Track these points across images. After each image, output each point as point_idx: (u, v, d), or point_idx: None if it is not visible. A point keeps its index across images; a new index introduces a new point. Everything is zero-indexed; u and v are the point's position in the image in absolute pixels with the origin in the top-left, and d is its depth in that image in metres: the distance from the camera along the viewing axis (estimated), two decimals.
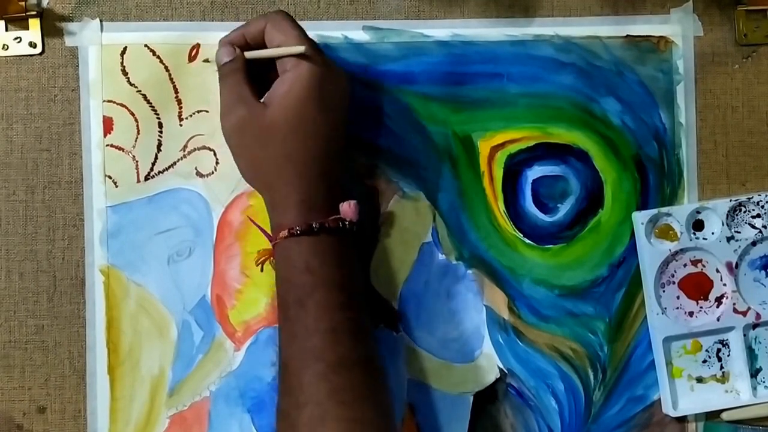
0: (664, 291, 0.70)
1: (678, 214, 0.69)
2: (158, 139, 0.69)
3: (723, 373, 0.70)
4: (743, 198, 0.70)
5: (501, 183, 0.70)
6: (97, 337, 0.68)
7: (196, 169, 0.69)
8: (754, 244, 0.70)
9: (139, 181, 0.69)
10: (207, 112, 0.69)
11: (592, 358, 0.70)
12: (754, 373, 0.70)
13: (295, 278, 0.60)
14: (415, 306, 0.69)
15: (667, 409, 0.69)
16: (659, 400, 0.70)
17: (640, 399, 0.70)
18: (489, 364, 0.69)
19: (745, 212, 0.70)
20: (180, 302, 0.69)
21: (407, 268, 0.70)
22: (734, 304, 0.69)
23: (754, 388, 0.70)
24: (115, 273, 0.68)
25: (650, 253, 0.69)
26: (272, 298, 0.68)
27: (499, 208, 0.70)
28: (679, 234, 0.69)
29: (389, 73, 0.70)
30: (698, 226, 0.70)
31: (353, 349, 0.59)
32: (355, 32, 0.70)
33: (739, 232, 0.70)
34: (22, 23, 0.69)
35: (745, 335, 0.70)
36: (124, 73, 0.69)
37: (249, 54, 0.63)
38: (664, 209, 0.70)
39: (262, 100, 0.62)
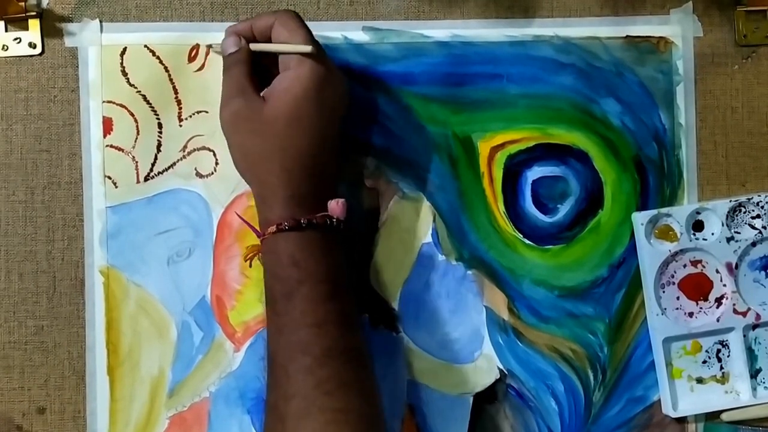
0: (663, 292, 0.70)
1: (678, 215, 0.69)
2: (158, 140, 0.69)
3: (723, 373, 0.70)
4: (743, 199, 0.70)
5: (501, 184, 0.70)
6: (97, 337, 0.68)
7: (195, 169, 0.69)
8: (753, 244, 0.70)
9: (138, 181, 0.69)
10: (207, 112, 0.69)
11: (592, 359, 0.70)
12: (754, 373, 0.70)
13: (281, 272, 0.60)
14: (414, 307, 0.69)
15: (667, 409, 0.69)
16: (659, 400, 0.70)
17: (640, 400, 0.70)
18: (489, 364, 0.69)
19: (744, 213, 0.70)
20: (180, 303, 0.69)
21: (407, 269, 0.69)
22: (734, 304, 0.69)
23: (754, 389, 0.70)
24: (115, 274, 0.68)
25: (650, 254, 0.69)
26: None
27: (498, 208, 0.70)
28: (678, 235, 0.69)
29: (389, 74, 0.70)
30: (698, 226, 0.70)
31: (339, 341, 0.60)
32: (355, 33, 0.70)
33: (739, 233, 0.70)
34: (21, 24, 0.69)
35: (744, 336, 0.70)
36: (124, 73, 0.69)
37: (255, 46, 0.63)
38: (664, 210, 0.70)
39: (261, 94, 0.62)
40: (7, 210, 0.69)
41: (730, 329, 0.70)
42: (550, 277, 0.70)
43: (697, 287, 0.70)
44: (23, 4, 0.68)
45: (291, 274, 0.60)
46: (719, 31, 0.72)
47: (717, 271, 0.70)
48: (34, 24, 0.69)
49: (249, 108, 0.61)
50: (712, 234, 0.70)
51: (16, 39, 0.69)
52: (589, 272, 0.70)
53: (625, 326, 0.70)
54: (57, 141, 0.69)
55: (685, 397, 0.70)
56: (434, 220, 0.70)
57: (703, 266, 0.70)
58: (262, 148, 0.61)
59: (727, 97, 0.72)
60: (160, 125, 0.69)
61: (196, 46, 0.69)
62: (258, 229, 0.63)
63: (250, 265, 0.68)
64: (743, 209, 0.70)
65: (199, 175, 0.69)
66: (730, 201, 0.69)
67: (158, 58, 0.69)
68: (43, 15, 0.69)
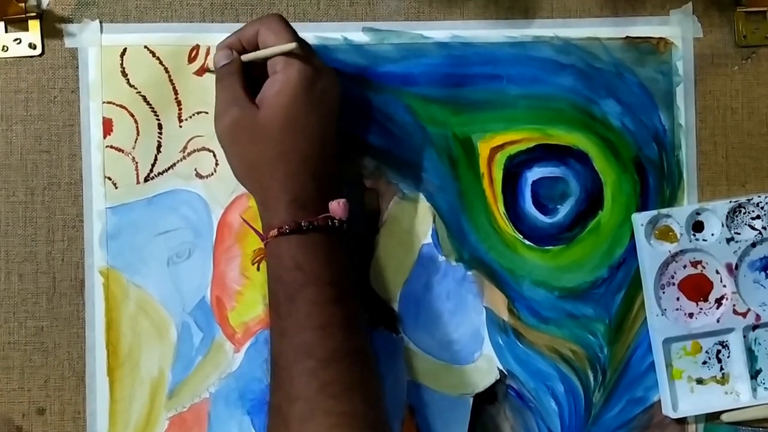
0: (663, 292, 0.70)
1: (678, 216, 0.69)
2: (158, 141, 0.69)
3: (723, 374, 0.70)
4: (743, 199, 0.70)
5: (501, 184, 0.70)
6: (97, 338, 0.68)
7: (195, 170, 0.69)
8: (753, 245, 0.70)
9: (138, 182, 0.69)
10: (207, 113, 0.69)
11: (592, 360, 0.70)
12: (754, 374, 0.70)
13: (285, 275, 0.60)
14: (414, 307, 0.69)
15: (667, 410, 0.69)
16: (659, 401, 0.70)
17: (640, 400, 0.70)
18: (489, 365, 0.69)
19: (744, 213, 0.70)
20: (180, 304, 0.69)
21: (407, 270, 0.69)
22: (734, 305, 0.69)
23: (754, 390, 0.70)
24: (115, 274, 0.68)
25: (650, 255, 0.69)
26: None
27: (498, 209, 0.70)
28: (678, 235, 0.69)
29: (389, 75, 0.70)
30: (698, 227, 0.70)
31: (343, 343, 0.59)
32: (355, 33, 0.70)
33: (739, 234, 0.70)
34: (21, 25, 0.69)
35: (744, 337, 0.70)
36: (124, 74, 0.69)
37: (245, 57, 0.64)
38: (664, 211, 0.70)
39: (255, 101, 0.62)
40: (7, 211, 0.69)
41: (730, 330, 0.70)
42: (550, 277, 0.70)
43: (697, 288, 0.70)
44: (23, 4, 0.69)
45: (295, 277, 0.60)
46: (719, 32, 0.72)
47: (717, 272, 0.70)
48: (34, 25, 0.69)
49: (244, 116, 0.61)
50: (712, 235, 0.70)
51: (16, 40, 0.69)
52: (589, 273, 0.70)
53: (625, 327, 0.70)
54: (57, 142, 0.69)
55: (685, 397, 0.70)
56: (434, 221, 0.70)
57: (703, 267, 0.70)
58: (261, 155, 0.61)
59: (727, 98, 0.72)
60: (160, 126, 0.69)
61: (196, 47, 0.69)
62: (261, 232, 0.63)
63: (258, 269, 0.68)
64: (743, 210, 0.70)
65: (199, 175, 0.69)
66: (730, 202, 0.69)
67: (158, 58, 0.69)
68: (43, 16, 0.69)
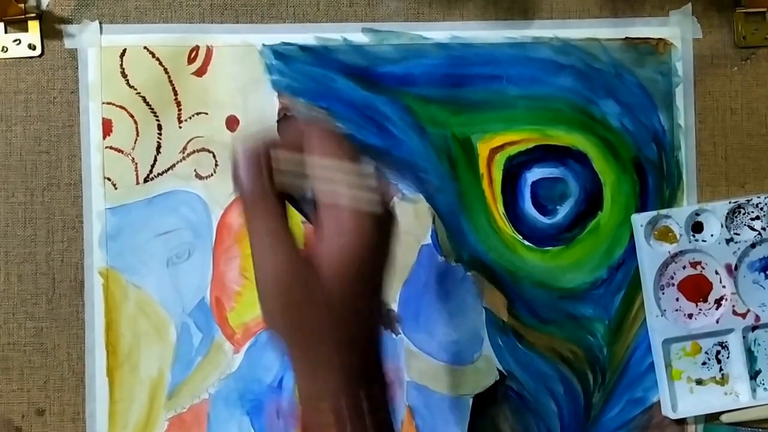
0: (663, 293, 0.70)
1: (677, 216, 0.69)
2: (157, 141, 0.69)
3: (722, 375, 0.70)
4: (742, 200, 0.70)
5: (500, 185, 0.70)
6: (96, 339, 0.68)
7: (195, 171, 0.69)
8: (753, 246, 0.70)
9: (138, 183, 0.69)
10: (206, 114, 0.69)
11: (592, 361, 0.70)
12: (754, 375, 0.70)
13: None
14: (414, 308, 0.69)
15: (667, 411, 0.69)
16: (659, 402, 0.70)
17: (639, 401, 0.70)
18: (488, 366, 0.69)
19: (744, 214, 0.70)
20: (179, 304, 0.69)
21: (406, 271, 0.69)
22: (733, 306, 0.69)
23: (754, 390, 0.70)
24: (114, 275, 0.68)
25: (649, 255, 0.69)
26: None
27: (498, 210, 0.70)
28: (678, 236, 0.69)
29: (388, 75, 0.70)
30: (697, 228, 0.70)
31: None
32: (355, 34, 0.70)
33: (739, 234, 0.70)
34: (21, 25, 0.69)
35: (744, 337, 0.70)
36: (124, 75, 0.69)
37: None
38: (664, 211, 0.70)
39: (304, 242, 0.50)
40: (6, 211, 0.69)
41: (729, 331, 0.70)
42: (550, 278, 0.70)
43: (697, 289, 0.70)
44: (23, 5, 0.69)
45: None
46: (718, 33, 0.72)
47: (716, 273, 0.70)
48: (34, 26, 0.69)
49: (298, 271, 0.49)
50: (712, 235, 0.70)
51: (15, 40, 0.69)
52: (589, 274, 0.70)
53: (624, 328, 0.70)
54: (56, 142, 0.69)
55: (684, 398, 0.70)
56: (433, 222, 0.70)
57: (703, 268, 0.70)
58: (312, 313, 0.49)
59: (726, 99, 0.72)
60: (159, 127, 0.69)
61: (196, 48, 0.69)
62: None
63: None
64: (742, 211, 0.70)
65: (198, 176, 0.69)
66: (730, 202, 0.69)
67: (158, 59, 0.69)
68: (42, 16, 0.69)
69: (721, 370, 0.70)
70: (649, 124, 0.71)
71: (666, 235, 0.70)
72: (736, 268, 0.70)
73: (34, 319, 0.69)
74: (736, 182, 0.71)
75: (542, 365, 0.70)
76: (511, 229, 0.70)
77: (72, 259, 0.69)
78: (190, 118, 0.69)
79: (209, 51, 0.69)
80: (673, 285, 0.70)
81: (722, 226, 0.69)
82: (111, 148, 0.69)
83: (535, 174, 0.70)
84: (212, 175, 0.69)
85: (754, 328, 0.70)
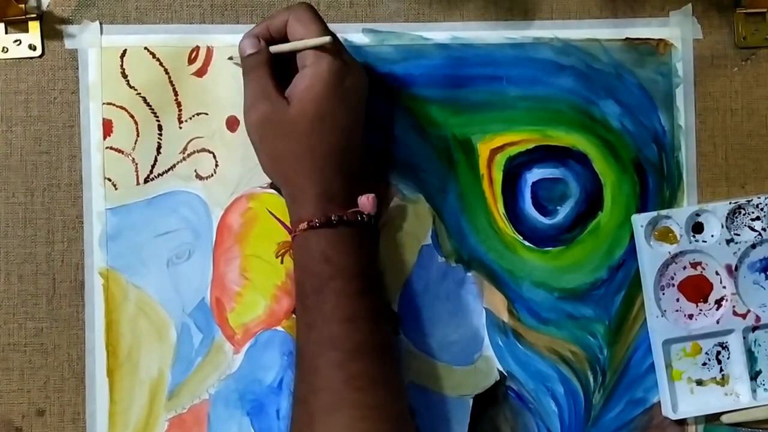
0: (663, 294, 0.70)
1: (677, 217, 0.69)
2: (158, 142, 0.69)
3: (723, 375, 0.70)
4: (743, 200, 0.70)
5: (500, 185, 0.70)
6: (97, 339, 0.68)
7: (195, 171, 0.69)
8: (753, 246, 0.70)
9: (138, 183, 0.69)
10: (206, 114, 0.69)
11: (592, 361, 0.70)
12: (754, 375, 0.70)
13: (313, 268, 0.61)
14: (414, 309, 0.69)
15: (667, 411, 0.69)
16: (659, 402, 0.70)
17: (639, 402, 0.70)
18: (488, 366, 0.69)
19: (744, 215, 0.70)
20: (179, 305, 0.69)
21: (407, 271, 0.69)
22: (734, 306, 0.69)
23: (754, 391, 0.69)
24: (115, 276, 0.68)
25: (650, 256, 0.69)
26: (271, 301, 0.68)
27: (498, 210, 0.70)
28: (678, 236, 0.69)
29: (389, 76, 0.70)
30: (698, 228, 0.70)
31: (369, 336, 0.60)
32: (355, 35, 0.70)
33: (739, 235, 0.70)
34: (21, 26, 0.69)
35: (744, 338, 0.70)
36: (124, 75, 0.69)
37: (273, 48, 0.63)
38: (664, 212, 0.70)
39: (285, 95, 0.62)
40: (6, 212, 0.69)
41: (729, 331, 0.70)
42: (550, 278, 0.70)
43: (697, 289, 0.70)
44: (23, 6, 0.69)
45: (323, 269, 0.61)
46: (719, 33, 0.72)
47: (717, 273, 0.70)
48: (34, 26, 0.69)
49: (274, 110, 0.62)
50: (712, 236, 0.70)
51: (16, 41, 0.69)
52: (589, 274, 0.70)
53: (624, 328, 0.70)
54: (57, 143, 0.69)
55: (684, 399, 0.70)
56: (434, 222, 0.70)
57: (703, 268, 0.70)
58: (291, 150, 0.62)
59: (726, 99, 0.72)
60: (160, 127, 0.69)
61: (196, 48, 0.69)
62: (288, 225, 0.64)
63: (282, 262, 0.68)
64: (743, 211, 0.70)
65: (198, 177, 0.69)
66: (730, 203, 0.69)
67: (158, 60, 0.69)
68: (43, 17, 0.69)
69: (721, 370, 0.70)
70: (649, 125, 0.71)
71: (666, 235, 0.70)
72: (737, 268, 0.70)
73: (35, 320, 0.69)
74: (737, 183, 0.71)
75: (542, 366, 0.70)
76: (511, 229, 0.70)
77: (72, 260, 0.69)
78: (190, 118, 0.69)
79: (209, 51, 0.69)
80: (674, 285, 0.70)
81: (722, 226, 0.69)
82: (111, 148, 0.69)
83: (535, 174, 0.70)
84: (212, 175, 0.69)
85: (754, 328, 0.70)
